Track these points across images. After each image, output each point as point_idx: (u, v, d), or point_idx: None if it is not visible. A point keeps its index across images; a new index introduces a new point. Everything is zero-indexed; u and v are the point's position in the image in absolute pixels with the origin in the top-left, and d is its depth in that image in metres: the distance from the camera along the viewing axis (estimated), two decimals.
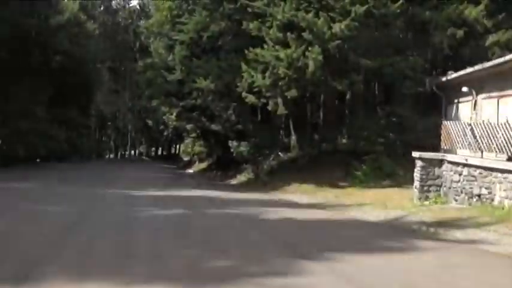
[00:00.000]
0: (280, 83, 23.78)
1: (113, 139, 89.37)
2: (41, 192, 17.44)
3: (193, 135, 52.59)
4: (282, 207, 16.56)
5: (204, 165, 51.00)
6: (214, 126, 36.19)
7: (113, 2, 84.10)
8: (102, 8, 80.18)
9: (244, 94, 24.70)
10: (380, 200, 16.78)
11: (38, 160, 49.47)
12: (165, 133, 67.84)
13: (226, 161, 43.03)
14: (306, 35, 21.86)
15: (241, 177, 32.29)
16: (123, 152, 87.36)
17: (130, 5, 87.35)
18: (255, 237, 10.64)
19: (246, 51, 23.81)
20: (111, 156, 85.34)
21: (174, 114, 49.32)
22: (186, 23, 30.03)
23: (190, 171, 51.23)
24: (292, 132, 32.90)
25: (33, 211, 12.45)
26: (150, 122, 73.04)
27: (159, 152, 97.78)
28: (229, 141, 29.94)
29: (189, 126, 52.29)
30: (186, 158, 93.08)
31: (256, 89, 24.72)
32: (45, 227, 9.98)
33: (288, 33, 22.37)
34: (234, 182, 31.89)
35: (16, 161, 42.55)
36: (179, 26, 31.60)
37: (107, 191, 18.64)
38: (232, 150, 29.67)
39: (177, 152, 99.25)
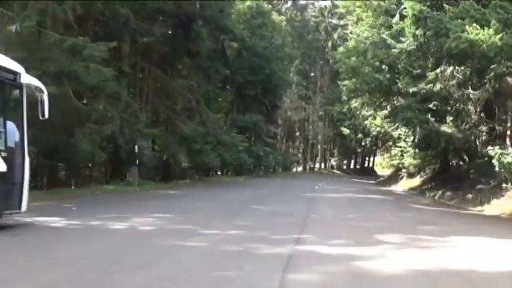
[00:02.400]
0: None
1: (301, 150, 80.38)
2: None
3: (400, 144, 41.01)
4: None
5: (416, 181, 38.84)
6: (446, 128, 24.63)
7: None
8: (289, 4, 71.90)
9: None
10: None
11: (216, 173, 41.78)
12: (363, 143, 56.70)
13: (450, 177, 31.22)
14: None
15: (501, 202, 20.11)
16: (312, 165, 77.73)
17: (320, 1, 78.16)
18: None
19: None
20: (299, 169, 76.27)
21: (381, 116, 38.47)
22: None
23: (398, 189, 39.41)
24: None
25: None
26: (345, 130, 62.63)
27: (351, 165, 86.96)
28: (490, 147, 18.37)
29: (397, 133, 40.95)
30: (381, 172, 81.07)
31: None
32: None
33: None
34: (486, 210, 19.76)
35: (180, 174, 35.04)
36: None
37: (300, 249, 8.63)
38: (494, 161, 17.88)
39: (371, 165, 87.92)
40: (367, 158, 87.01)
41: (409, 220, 14.83)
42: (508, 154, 17.50)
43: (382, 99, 34.73)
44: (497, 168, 17.76)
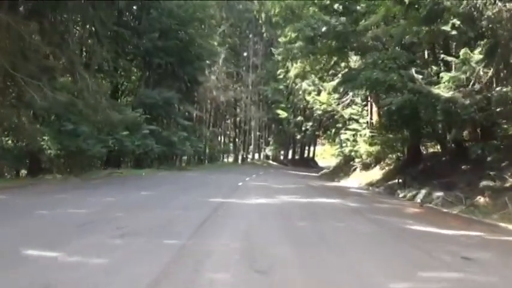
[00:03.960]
0: None
1: (231, 138, 70.04)
2: None
3: (353, 126, 31.83)
4: None
5: (374, 174, 29.18)
6: (441, 91, 15.43)
7: None
8: None
9: None
10: None
11: (110, 168, 30.94)
12: (304, 127, 47.20)
13: (427, 169, 22.89)
14: None
15: None
16: (245, 155, 67.47)
17: None
18: None
19: None
20: (230, 160, 66.09)
21: (329, 88, 29.17)
22: None
23: (351, 185, 29.54)
24: None
25: None
26: (282, 113, 53.03)
27: (289, 156, 77.32)
28: None
29: (348, 112, 31.78)
30: (322, 163, 71.92)
31: None
32: None
33: None
34: None
35: (51, 166, 24.77)
36: None
37: None
38: None
39: (311, 155, 78.88)
40: (307, 148, 77.82)
41: None
42: None
43: (330, 64, 25.54)
44: None
